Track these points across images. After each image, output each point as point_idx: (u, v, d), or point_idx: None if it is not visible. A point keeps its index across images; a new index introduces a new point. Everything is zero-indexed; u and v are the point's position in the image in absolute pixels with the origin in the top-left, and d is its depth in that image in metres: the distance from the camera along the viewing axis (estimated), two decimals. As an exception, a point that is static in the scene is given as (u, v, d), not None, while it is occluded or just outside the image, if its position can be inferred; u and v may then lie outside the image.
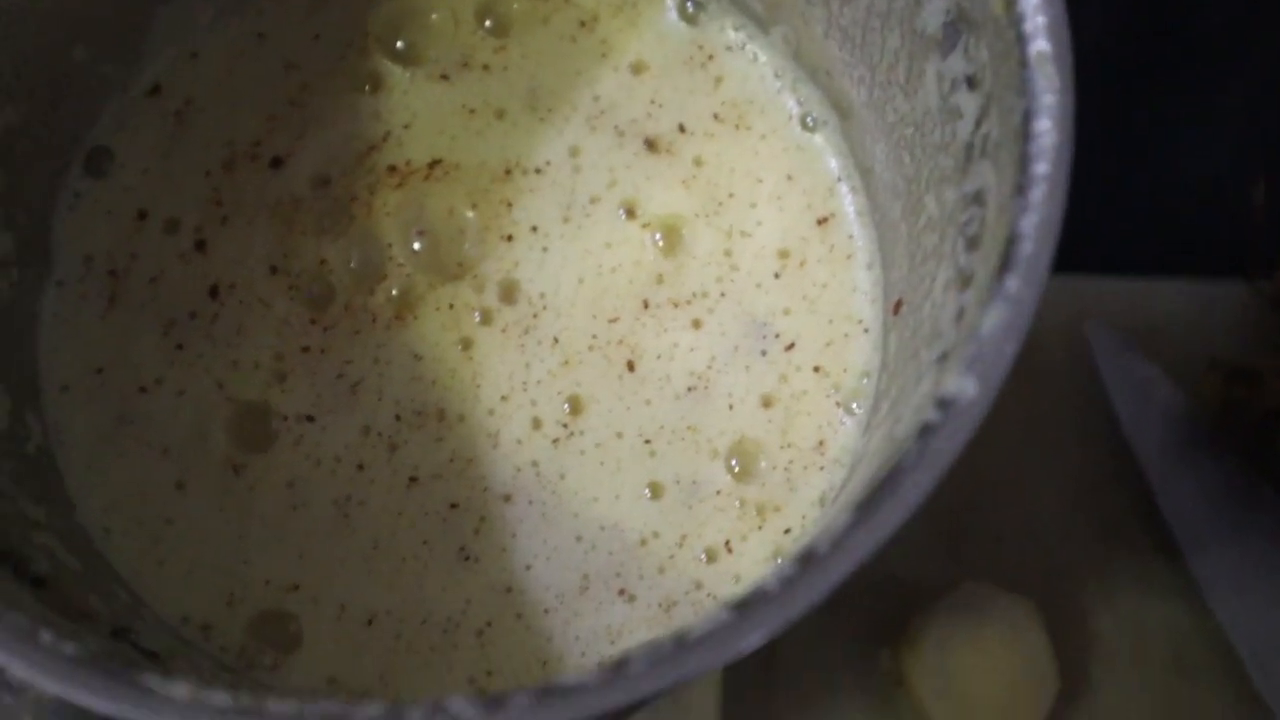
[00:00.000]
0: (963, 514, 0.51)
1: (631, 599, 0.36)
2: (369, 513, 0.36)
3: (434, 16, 0.40)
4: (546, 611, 0.36)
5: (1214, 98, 0.57)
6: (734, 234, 0.38)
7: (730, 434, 0.37)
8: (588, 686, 0.25)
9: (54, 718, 0.31)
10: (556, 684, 0.25)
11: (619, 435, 0.37)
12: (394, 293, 0.38)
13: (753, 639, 0.25)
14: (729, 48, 0.40)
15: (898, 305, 0.36)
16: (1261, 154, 0.56)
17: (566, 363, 0.37)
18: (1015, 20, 0.28)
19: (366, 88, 0.39)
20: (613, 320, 0.38)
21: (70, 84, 0.37)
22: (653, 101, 0.39)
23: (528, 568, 0.36)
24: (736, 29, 0.40)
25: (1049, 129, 0.26)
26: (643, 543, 0.36)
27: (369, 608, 0.36)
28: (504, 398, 0.37)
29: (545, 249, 0.38)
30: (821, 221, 0.38)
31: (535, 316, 0.38)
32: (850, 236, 0.38)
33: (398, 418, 0.37)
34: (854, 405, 0.37)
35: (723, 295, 0.38)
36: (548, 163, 0.39)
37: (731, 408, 0.37)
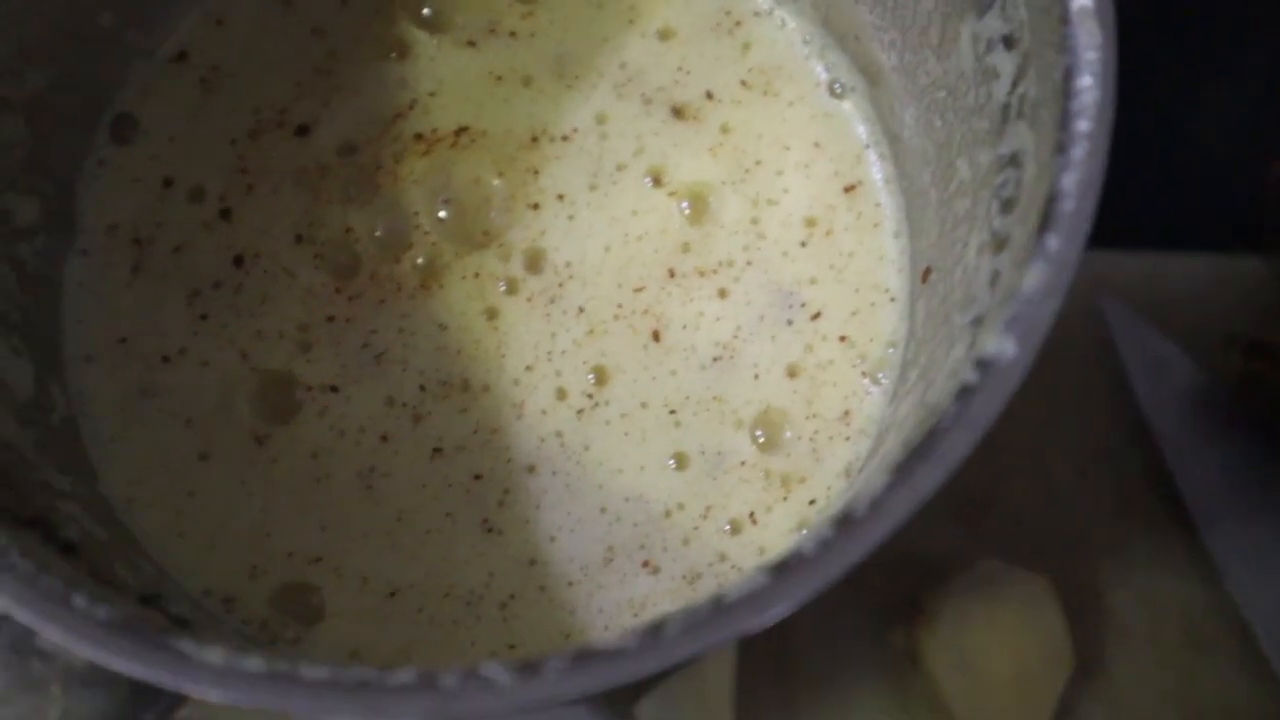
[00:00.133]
0: (978, 491, 0.51)
1: (656, 571, 0.35)
2: (392, 484, 0.36)
3: (460, -17, 0.40)
4: (570, 584, 0.35)
5: (1231, 72, 0.56)
6: (761, 202, 0.38)
7: (756, 404, 0.37)
8: (624, 650, 0.25)
9: (82, 685, 0.31)
10: (592, 648, 0.25)
11: (644, 405, 0.37)
12: (419, 262, 0.37)
13: (789, 602, 0.25)
14: (757, 13, 0.40)
15: (926, 273, 0.35)
16: (1278, 130, 0.56)
17: (592, 332, 0.37)
18: (1055, -24, 0.27)
19: (393, 55, 0.39)
20: (638, 289, 0.37)
21: (97, 50, 0.37)
22: (680, 68, 0.39)
23: (552, 540, 0.36)
24: (765, -6, 0.40)
25: (1091, 85, 0.26)
26: (667, 514, 0.36)
27: (392, 580, 0.35)
28: (529, 368, 0.37)
29: (571, 217, 0.38)
30: (849, 189, 0.38)
31: (561, 285, 0.37)
32: (878, 204, 0.38)
33: (422, 388, 0.37)
34: (880, 375, 0.37)
35: (749, 264, 0.38)
36: (575, 130, 0.39)
37: (757, 378, 0.37)
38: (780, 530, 0.36)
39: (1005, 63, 0.30)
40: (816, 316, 0.37)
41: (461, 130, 0.39)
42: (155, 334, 0.37)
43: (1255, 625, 0.49)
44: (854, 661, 0.50)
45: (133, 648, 0.26)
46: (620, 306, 0.37)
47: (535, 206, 0.38)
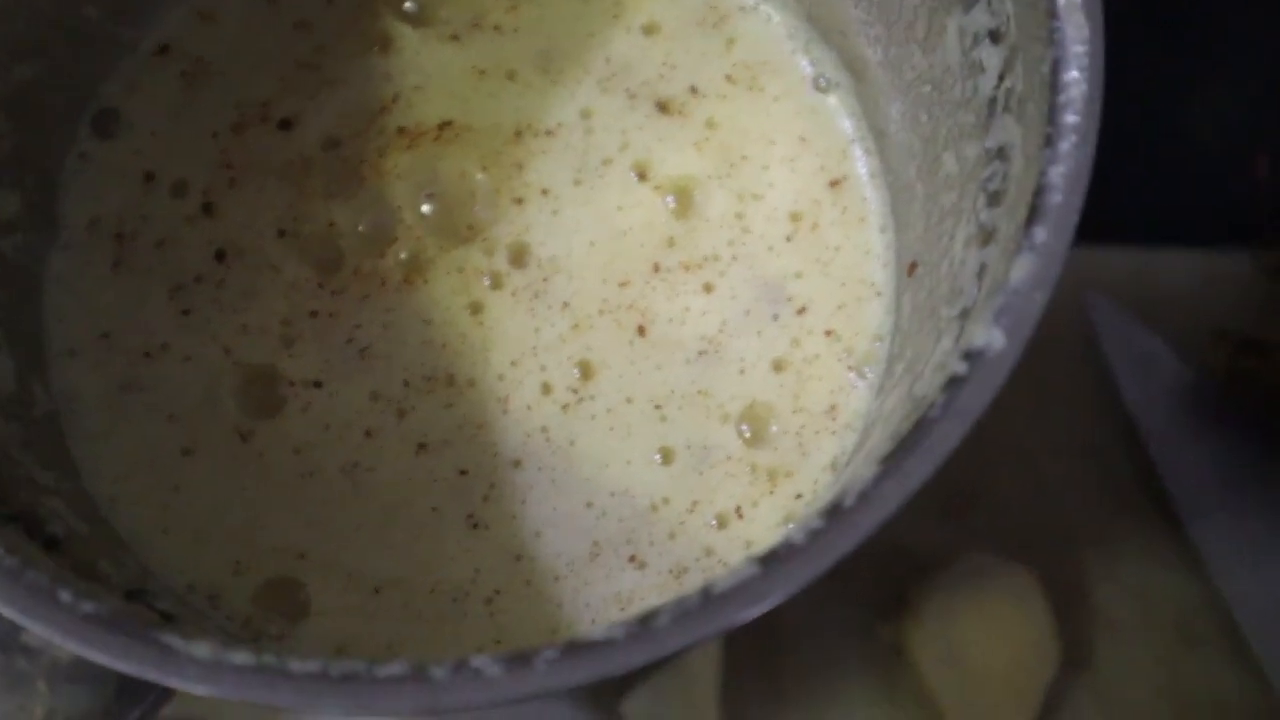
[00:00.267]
0: (966, 485, 0.51)
1: (642, 566, 0.35)
2: (377, 480, 0.36)
3: (444, -23, 0.40)
4: (556, 579, 0.35)
5: (1219, 68, 0.57)
6: (746, 197, 0.38)
7: (741, 399, 0.37)
8: (614, 642, 0.25)
9: (68, 681, 0.31)
10: (581, 640, 0.25)
11: (629, 400, 0.37)
12: (403, 256, 0.37)
13: (779, 593, 0.25)
14: (742, 8, 0.40)
15: (912, 267, 0.36)
16: (1267, 125, 0.56)
17: (577, 327, 0.37)
18: (1042, -30, 0.27)
19: (377, 49, 0.39)
20: (623, 284, 0.37)
21: (80, 44, 0.37)
22: (665, 63, 0.39)
23: (537, 535, 0.36)
24: (750, -11, 0.40)
25: (1079, 79, 0.26)
26: (653, 509, 0.36)
27: (377, 576, 0.35)
28: (514, 363, 0.37)
29: (556, 212, 0.38)
30: (834, 184, 0.38)
31: (546, 280, 0.37)
32: (863, 199, 0.38)
33: (406, 383, 0.37)
34: (866, 369, 0.37)
35: (734, 258, 0.38)
36: (559, 125, 0.39)
37: (743, 372, 0.37)
38: (767, 524, 0.36)
39: (992, 57, 0.30)
40: (802, 311, 0.37)
41: (445, 124, 0.38)
42: (138, 329, 0.37)
43: (1241, 618, 0.50)
44: (841, 655, 0.50)
45: (119, 643, 0.25)
46: (605, 301, 0.37)
47: (519, 201, 0.38)
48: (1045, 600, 0.48)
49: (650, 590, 0.35)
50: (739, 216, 0.38)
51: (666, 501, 0.36)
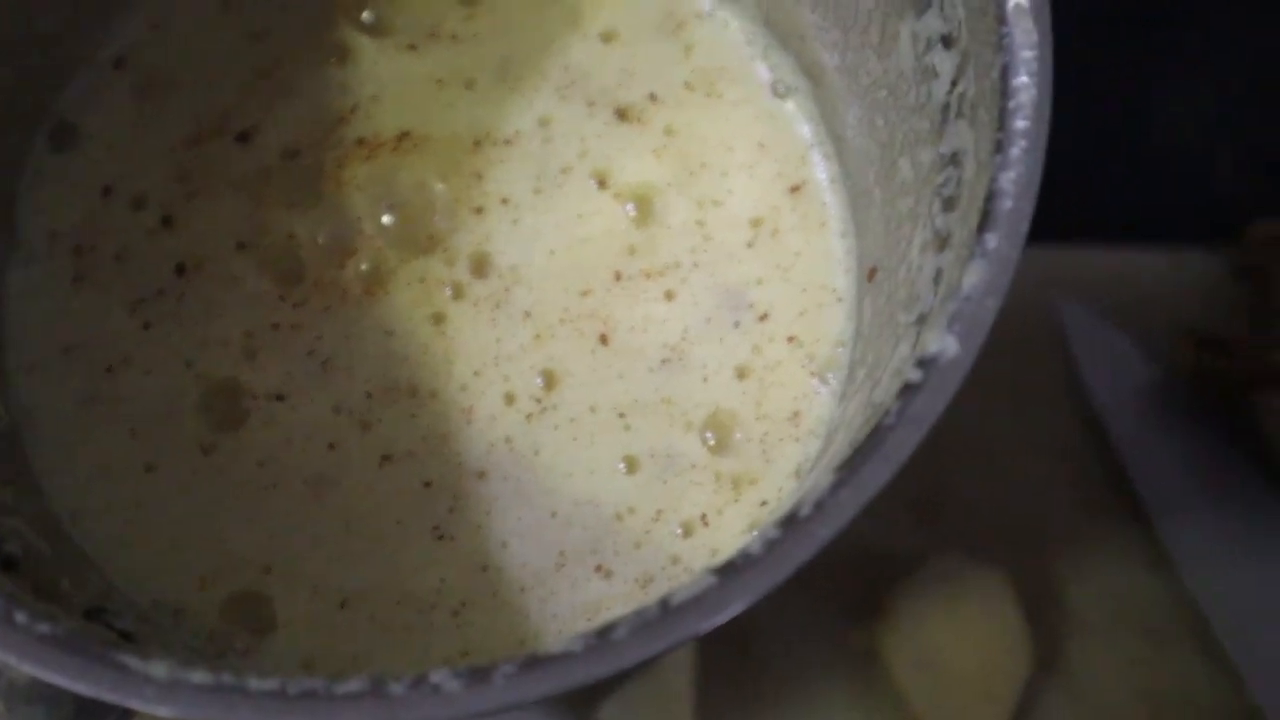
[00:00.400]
0: (935, 486, 0.51)
1: (608, 575, 0.35)
2: (342, 492, 0.36)
3: (401, -13, 0.40)
4: (523, 590, 0.35)
5: (1182, 66, 0.57)
6: (706, 203, 0.38)
7: (705, 406, 0.37)
8: (572, 655, 0.25)
9: (26, 702, 0.31)
10: (541, 654, 0.25)
11: (593, 409, 0.37)
12: (364, 267, 0.37)
13: (737, 604, 0.25)
14: (699, 15, 0.40)
15: (872, 272, 0.36)
16: (1233, 123, 0.56)
17: (539, 336, 0.37)
18: (992, -25, 0.27)
19: (334, 60, 0.39)
20: (585, 293, 0.37)
21: (36, 57, 0.36)
22: (623, 70, 0.39)
23: (504, 545, 0.36)
24: (707, -5, 0.40)
25: (1028, 84, 0.26)
26: (619, 518, 0.36)
27: (343, 589, 0.35)
28: (476, 373, 0.37)
29: (516, 221, 0.38)
30: (794, 189, 0.38)
31: (507, 290, 0.37)
32: (823, 204, 0.38)
33: (369, 395, 0.36)
34: (829, 375, 0.37)
35: (695, 266, 0.38)
36: (518, 133, 0.38)
37: (706, 380, 0.37)
38: (732, 532, 0.36)
39: (944, 62, 0.30)
40: (764, 317, 0.37)
41: (404, 135, 0.38)
42: (99, 343, 0.37)
43: (1211, 616, 0.50)
44: (814, 661, 0.50)
45: (75, 664, 0.25)
46: (567, 310, 0.37)
47: (479, 211, 0.38)
48: (1017, 602, 0.48)
49: (617, 600, 0.35)
50: (699, 223, 0.38)
51: (632, 510, 0.36)
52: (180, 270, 0.37)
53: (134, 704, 0.25)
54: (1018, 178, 0.26)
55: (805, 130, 0.39)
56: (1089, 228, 0.53)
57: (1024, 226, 0.26)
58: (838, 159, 0.38)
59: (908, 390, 0.25)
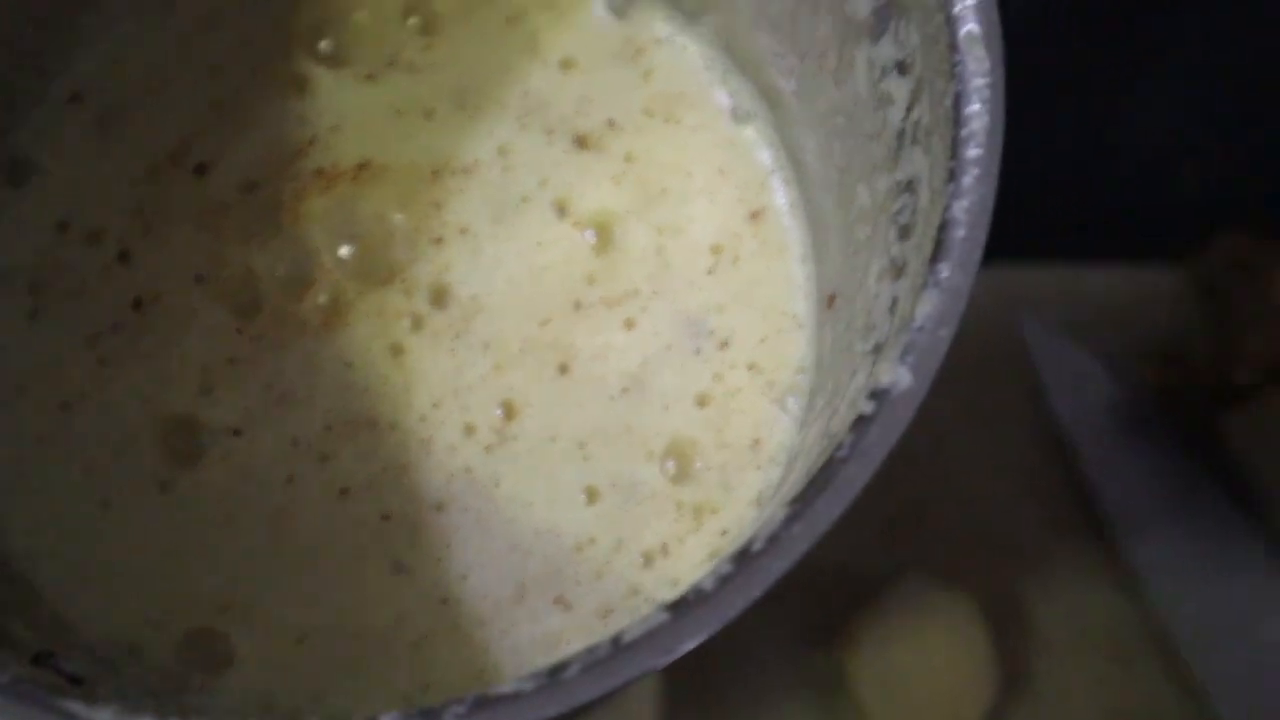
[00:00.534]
0: (900, 506, 0.51)
1: (568, 607, 0.35)
2: (300, 526, 0.35)
3: (358, 16, 0.39)
4: (483, 622, 0.35)
5: (1143, 82, 0.57)
6: (666, 230, 0.38)
7: (666, 435, 0.36)
8: (523, 694, 0.24)
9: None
10: (491, 693, 0.24)
11: (553, 439, 0.36)
12: (322, 300, 0.37)
13: (690, 640, 0.25)
14: (658, 40, 0.39)
15: (831, 299, 0.35)
16: (1194, 138, 0.56)
17: (499, 366, 0.37)
18: (944, 3, 0.27)
19: (292, 91, 0.39)
20: (544, 322, 0.37)
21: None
22: (582, 97, 0.39)
23: (464, 577, 0.35)
24: (666, 20, 0.39)
25: (979, 112, 0.26)
26: (579, 549, 0.35)
27: (301, 624, 0.35)
28: (436, 404, 0.36)
29: (476, 251, 0.37)
30: (754, 216, 0.38)
31: (466, 320, 0.37)
32: (783, 230, 0.38)
33: (328, 428, 0.36)
34: (789, 402, 0.36)
35: (655, 293, 0.37)
36: (476, 162, 0.38)
37: (666, 408, 0.36)
38: (693, 562, 0.35)
39: (899, 89, 0.30)
40: (724, 345, 0.37)
41: (363, 165, 0.38)
42: (54, 380, 0.36)
43: (1177, 635, 0.50)
44: (780, 684, 0.50)
45: (19, 710, 0.25)
46: (526, 340, 0.37)
47: (439, 241, 0.37)
48: (984, 625, 0.48)
49: (577, 632, 0.35)
50: (659, 251, 0.38)
51: (592, 541, 0.35)
52: (137, 305, 0.37)
53: (79, 750, 0.25)
54: (970, 206, 0.26)
55: (765, 156, 0.38)
56: (1052, 245, 0.53)
57: (977, 256, 0.25)
58: (798, 185, 0.38)
59: (861, 422, 0.25)
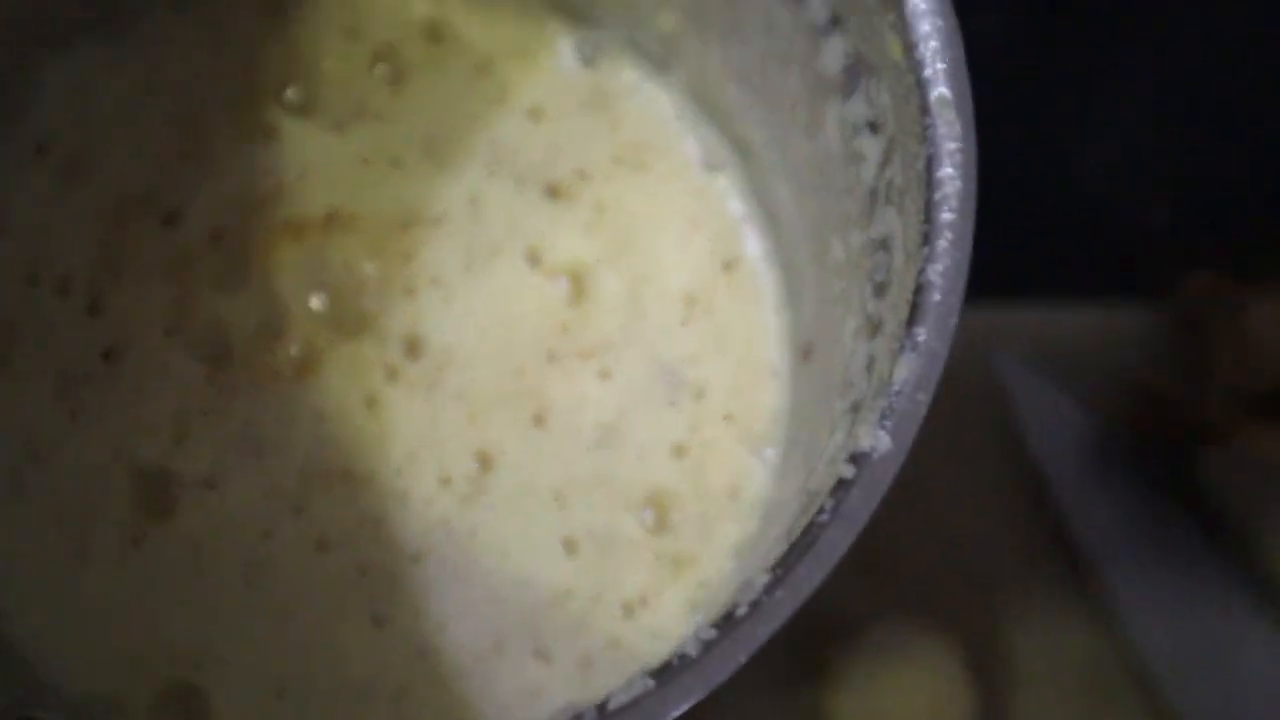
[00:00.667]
0: (880, 547, 0.51)
1: (548, 659, 0.35)
2: (277, 580, 0.35)
3: (326, 64, 0.39)
4: (462, 675, 0.35)
5: (1115, 116, 0.57)
6: (638, 280, 0.38)
7: (642, 485, 0.36)
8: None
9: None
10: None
11: (529, 490, 0.36)
12: (294, 351, 0.37)
13: (676, 708, 0.25)
14: (628, 89, 0.39)
15: (807, 351, 0.35)
16: (1161, 173, 0.56)
17: (473, 417, 0.36)
18: (915, 65, 0.27)
19: (259, 139, 0.38)
20: (518, 372, 0.37)
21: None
22: (551, 146, 0.39)
23: (442, 629, 0.35)
24: (635, 69, 0.39)
25: (953, 175, 0.26)
26: (557, 600, 0.35)
27: (279, 678, 0.35)
28: (411, 456, 0.36)
29: (447, 301, 0.37)
30: (727, 265, 0.38)
31: (440, 371, 0.37)
32: (757, 278, 0.38)
33: (303, 480, 0.36)
34: (766, 452, 0.36)
35: (629, 343, 0.37)
36: (446, 212, 0.38)
37: (642, 459, 0.36)
38: (671, 613, 0.35)
39: (871, 147, 0.30)
40: (700, 395, 0.37)
41: (332, 215, 0.38)
42: (24, 432, 0.36)
43: (1155, 670, 0.50)
44: (761, 722, 0.50)
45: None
46: (501, 391, 0.37)
47: (410, 291, 0.37)
48: (963, 662, 0.48)
49: (557, 683, 0.35)
50: (633, 300, 0.37)
51: (570, 593, 0.35)
52: (107, 356, 0.37)
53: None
54: (945, 270, 0.26)
55: (737, 205, 0.38)
56: (1026, 284, 0.53)
57: (953, 320, 0.25)
58: (771, 234, 0.38)
59: (841, 486, 0.25)
